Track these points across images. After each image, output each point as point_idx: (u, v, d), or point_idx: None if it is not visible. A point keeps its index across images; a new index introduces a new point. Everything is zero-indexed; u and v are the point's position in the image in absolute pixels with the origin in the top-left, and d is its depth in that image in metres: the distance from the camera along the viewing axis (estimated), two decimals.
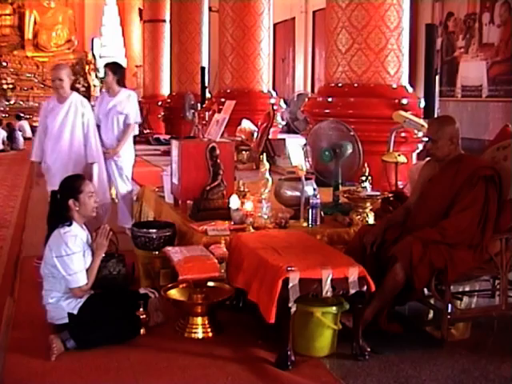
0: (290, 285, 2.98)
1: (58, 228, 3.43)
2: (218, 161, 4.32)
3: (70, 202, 3.48)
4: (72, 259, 3.36)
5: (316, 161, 4.81)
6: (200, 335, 3.45)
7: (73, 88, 5.26)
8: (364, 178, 4.44)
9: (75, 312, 3.40)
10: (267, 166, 4.74)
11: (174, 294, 3.66)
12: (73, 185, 3.56)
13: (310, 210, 4.12)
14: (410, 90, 6.09)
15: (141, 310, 3.45)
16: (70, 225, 3.45)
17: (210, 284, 3.62)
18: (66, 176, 3.76)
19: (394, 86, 5.90)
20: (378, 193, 4.41)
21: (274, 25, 12.03)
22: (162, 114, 13.69)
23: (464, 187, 3.47)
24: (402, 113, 5.41)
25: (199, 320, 3.47)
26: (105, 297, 3.53)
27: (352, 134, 4.63)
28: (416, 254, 3.32)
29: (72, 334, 3.25)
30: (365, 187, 4.40)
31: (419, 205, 3.71)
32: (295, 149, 7.09)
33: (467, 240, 3.42)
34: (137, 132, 6.06)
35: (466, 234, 3.41)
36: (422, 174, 3.82)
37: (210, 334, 3.46)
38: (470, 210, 3.42)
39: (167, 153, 6.64)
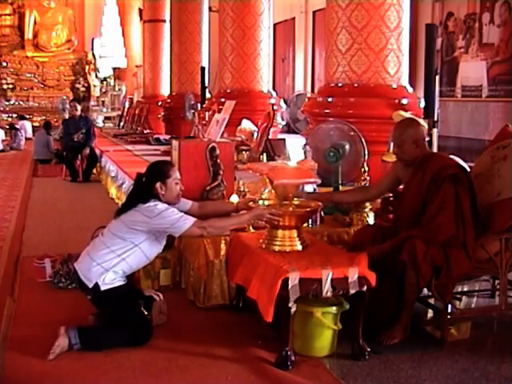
0: (290, 285, 2.98)
1: (144, 203, 3.38)
2: (218, 161, 4.32)
3: (157, 185, 3.45)
4: (169, 210, 3.33)
5: (318, 161, 4.79)
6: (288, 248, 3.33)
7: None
8: (363, 178, 4.44)
9: (102, 288, 3.32)
10: None
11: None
12: (162, 169, 3.54)
13: None
14: (410, 90, 6.09)
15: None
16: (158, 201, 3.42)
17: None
18: (156, 160, 3.73)
19: (394, 86, 5.90)
20: None
21: (274, 25, 12.02)
22: (162, 114, 13.66)
23: (431, 190, 3.44)
24: (402, 113, 5.40)
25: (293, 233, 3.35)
26: (130, 294, 3.46)
27: (355, 133, 4.62)
28: (420, 254, 3.29)
29: (82, 339, 3.20)
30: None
31: (398, 207, 3.70)
32: (295, 149, 7.08)
33: (453, 240, 3.37)
34: None
35: (449, 234, 3.36)
36: (396, 165, 3.80)
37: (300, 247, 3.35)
38: (442, 212, 3.37)
39: (167, 153, 6.64)
